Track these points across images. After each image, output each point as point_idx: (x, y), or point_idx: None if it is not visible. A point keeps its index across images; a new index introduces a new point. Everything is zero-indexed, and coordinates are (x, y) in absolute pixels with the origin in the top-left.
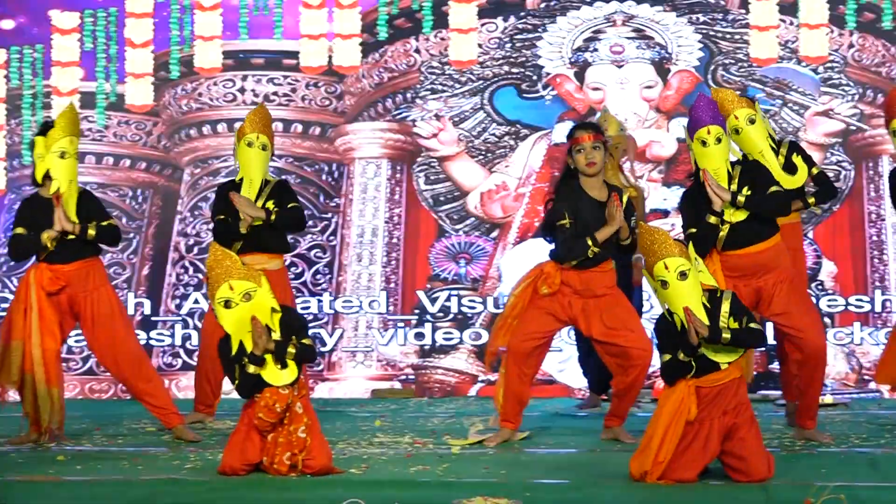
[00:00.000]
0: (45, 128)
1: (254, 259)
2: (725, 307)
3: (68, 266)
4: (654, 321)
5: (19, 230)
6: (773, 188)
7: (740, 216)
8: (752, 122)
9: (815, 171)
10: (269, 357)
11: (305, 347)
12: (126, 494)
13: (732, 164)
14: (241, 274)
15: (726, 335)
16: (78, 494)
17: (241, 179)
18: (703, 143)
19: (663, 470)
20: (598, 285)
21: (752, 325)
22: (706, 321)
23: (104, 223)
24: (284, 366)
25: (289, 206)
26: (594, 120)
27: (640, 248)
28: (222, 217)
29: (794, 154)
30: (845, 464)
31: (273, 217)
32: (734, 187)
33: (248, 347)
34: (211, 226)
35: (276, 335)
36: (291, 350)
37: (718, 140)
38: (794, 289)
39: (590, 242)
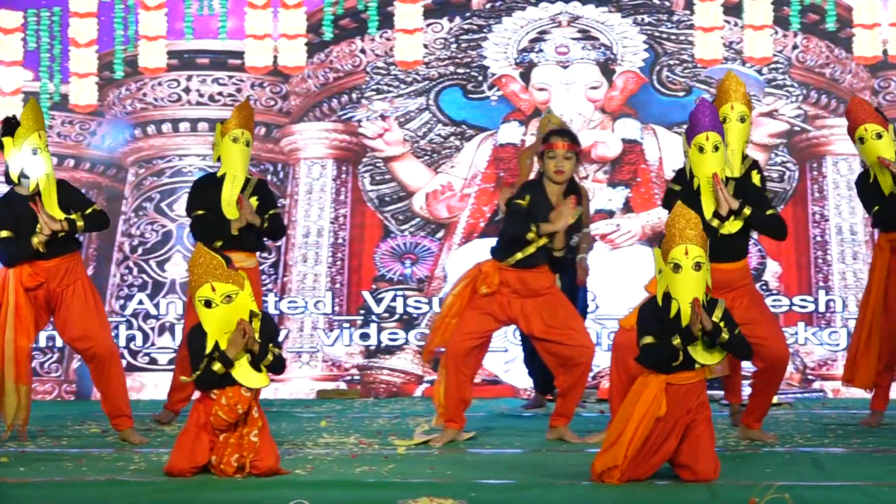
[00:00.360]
0: (10, 127)
1: (234, 257)
2: (718, 313)
3: (50, 262)
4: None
5: (5, 233)
6: (771, 210)
7: (733, 229)
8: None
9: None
10: (244, 360)
11: (280, 358)
12: (70, 496)
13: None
14: (224, 276)
15: (725, 335)
16: (21, 496)
17: (223, 175)
18: (701, 149)
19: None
20: (537, 284)
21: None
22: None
23: (88, 211)
24: (259, 371)
25: (272, 212)
26: (538, 120)
27: (667, 225)
28: (201, 213)
29: None
30: (790, 463)
31: (265, 224)
32: None
33: (223, 346)
34: (155, 225)
35: (252, 347)
36: (270, 357)
37: (716, 148)
38: (754, 300)
39: (533, 227)
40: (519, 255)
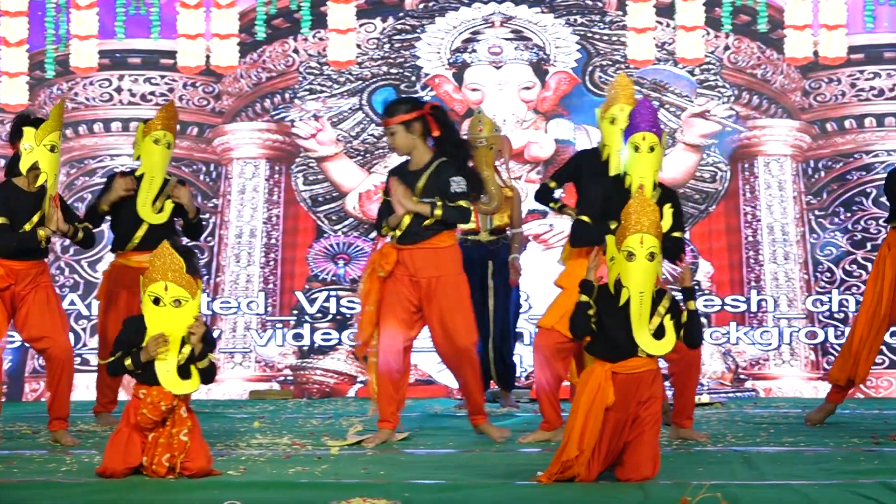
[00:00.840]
0: (35, 119)
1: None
2: (665, 303)
3: (23, 264)
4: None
5: (1, 220)
6: (677, 233)
7: None
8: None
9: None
10: (172, 364)
11: (214, 367)
12: (0, 497)
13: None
14: (180, 279)
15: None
16: None
17: (142, 175)
18: (636, 149)
19: (580, 463)
20: (430, 265)
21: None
22: (647, 314)
23: (81, 225)
24: (188, 376)
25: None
26: (469, 120)
27: (623, 214)
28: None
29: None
30: (722, 462)
31: (202, 223)
32: None
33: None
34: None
35: (195, 347)
36: (203, 363)
37: (651, 149)
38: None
39: (384, 224)
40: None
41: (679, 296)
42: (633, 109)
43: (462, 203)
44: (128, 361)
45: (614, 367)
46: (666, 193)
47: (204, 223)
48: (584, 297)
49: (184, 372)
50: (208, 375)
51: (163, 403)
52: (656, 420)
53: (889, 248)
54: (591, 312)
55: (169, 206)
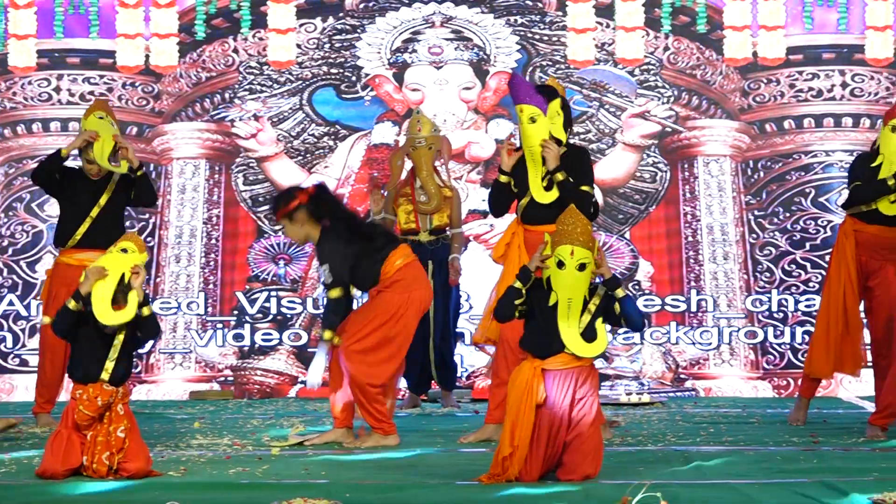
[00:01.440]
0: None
1: (93, 256)
2: (596, 300)
3: None
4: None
5: None
6: (585, 187)
7: (549, 199)
8: (534, 121)
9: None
10: (106, 296)
11: (155, 318)
12: None
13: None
14: (131, 240)
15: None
16: None
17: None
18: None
19: (516, 461)
20: None
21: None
22: (577, 317)
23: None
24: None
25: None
26: (409, 120)
27: (559, 221)
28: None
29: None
30: (662, 462)
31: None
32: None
33: (97, 297)
34: (26, 226)
35: (137, 290)
36: (147, 311)
37: (532, 119)
38: None
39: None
40: None
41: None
42: (509, 84)
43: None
44: (71, 303)
45: (544, 364)
46: (574, 151)
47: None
48: (518, 284)
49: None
50: (151, 327)
51: (99, 399)
52: (594, 419)
53: (846, 236)
54: (517, 302)
55: (125, 165)
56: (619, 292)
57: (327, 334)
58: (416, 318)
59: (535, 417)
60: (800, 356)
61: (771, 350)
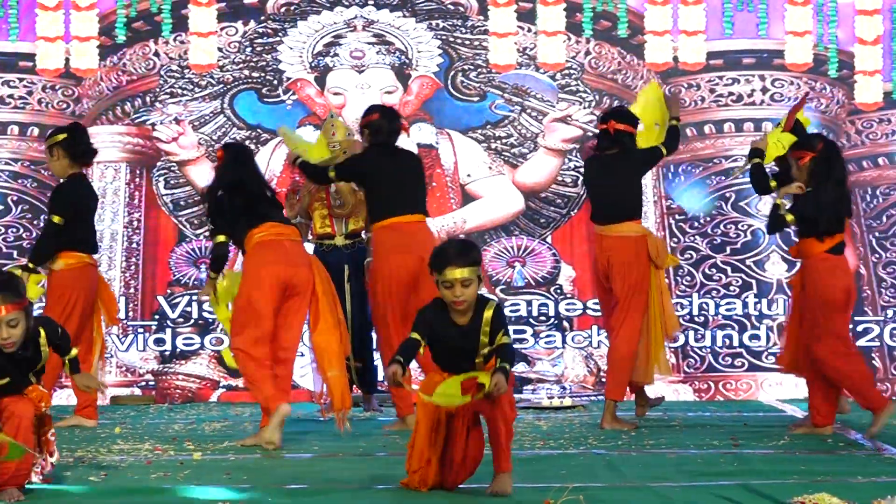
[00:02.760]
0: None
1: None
2: (488, 314)
3: None
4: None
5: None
6: None
7: None
8: None
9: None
10: None
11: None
12: None
13: None
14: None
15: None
16: None
17: None
18: None
19: (430, 471)
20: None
21: (505, 339)
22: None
23: None
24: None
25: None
26: (323, 123)
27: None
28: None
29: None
30: (584, 465)
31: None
32: None
33: None
34: None
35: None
36: (74, 351)
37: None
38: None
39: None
40: None
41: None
42: None
43: None
44: None
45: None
46: None
47: None
48: (415, 335)
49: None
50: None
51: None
52: (504, 417)
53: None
54: (419, 350)
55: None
56: (502, 339)
57: (212, 275)
58: (267, 294)
59: (445, 424)
60: (720, 360)
61: (692, 354)
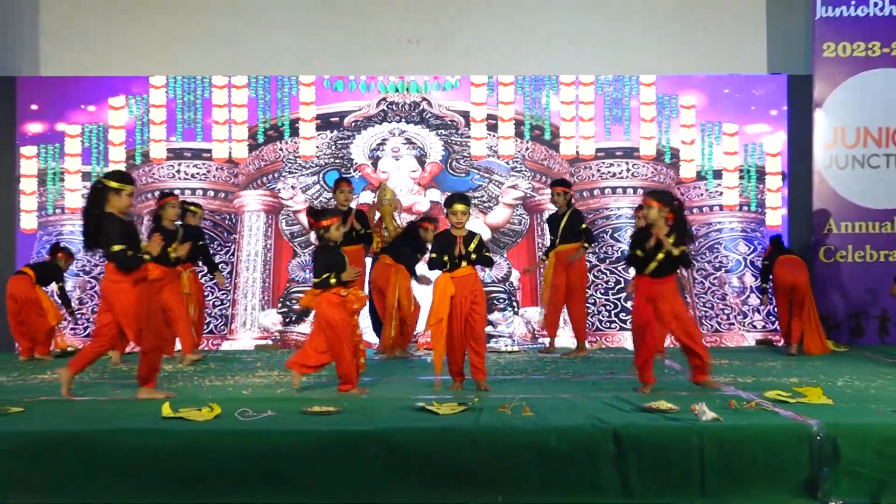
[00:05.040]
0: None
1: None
2: (477, 238)
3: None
4: None
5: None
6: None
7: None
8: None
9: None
10: None
11: None
12: None
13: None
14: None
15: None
16: None
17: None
18: None
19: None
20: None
21: (487, 252)
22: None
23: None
24: None
25: None
26: (378, 189)
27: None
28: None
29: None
30: (525, 384)
31: None
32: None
33: None
34: None
35: None
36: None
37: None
38: None
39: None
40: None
41: None
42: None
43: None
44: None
45: (452, 274)
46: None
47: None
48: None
49: None
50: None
51: None
52: (482, 308)
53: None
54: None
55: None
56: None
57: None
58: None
59: (449, 304)
60: (603, 324)
61: (589, 321)
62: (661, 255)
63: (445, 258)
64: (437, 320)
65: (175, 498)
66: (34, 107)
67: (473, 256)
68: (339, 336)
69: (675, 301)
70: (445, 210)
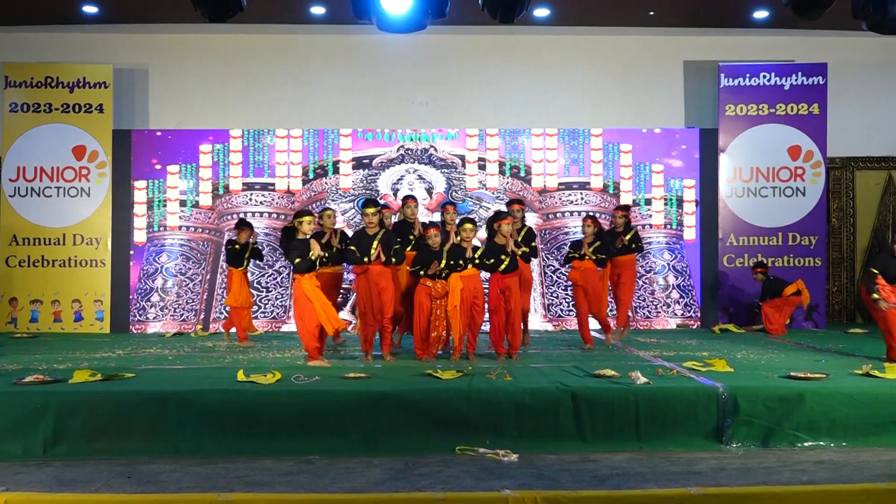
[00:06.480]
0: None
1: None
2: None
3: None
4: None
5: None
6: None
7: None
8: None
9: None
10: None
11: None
12: None
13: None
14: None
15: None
16: None
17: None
18: None
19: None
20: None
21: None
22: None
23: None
24: None
25: None
26: (400, 209)
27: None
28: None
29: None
30: (508, 360)
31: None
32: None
33: None
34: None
35: None
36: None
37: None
38: None
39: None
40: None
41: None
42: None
43: None
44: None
45: (461, 275)
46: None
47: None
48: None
49: None
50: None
51: None
52: (481, 301)
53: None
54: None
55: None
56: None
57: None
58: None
59: (461, 295)
60: (565, 311)
61: (553, 307)
62: (590, 253)
63: (461, 261)
64: (452, 307)
65: (247, 442)
66: (145, 152)
67: (476, 261)
68: (299, 313)
69: (600, 284)
70: (457, 228)
